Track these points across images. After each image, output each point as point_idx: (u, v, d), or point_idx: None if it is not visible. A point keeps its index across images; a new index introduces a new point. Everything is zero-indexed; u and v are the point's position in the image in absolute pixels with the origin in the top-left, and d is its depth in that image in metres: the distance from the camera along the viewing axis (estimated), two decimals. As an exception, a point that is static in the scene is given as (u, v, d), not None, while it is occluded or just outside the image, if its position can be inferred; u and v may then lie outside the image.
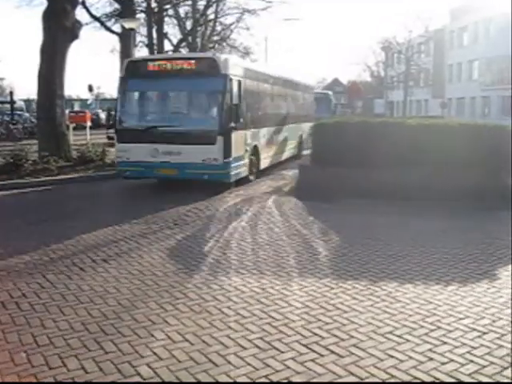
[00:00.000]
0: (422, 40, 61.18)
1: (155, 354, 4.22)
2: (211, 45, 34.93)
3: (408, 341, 4.43)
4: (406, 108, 61.21)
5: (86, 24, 23.70)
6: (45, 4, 16.95)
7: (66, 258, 6.90)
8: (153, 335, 4.56)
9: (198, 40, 32.97)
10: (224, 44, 37.90)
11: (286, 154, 18.17)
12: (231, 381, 3.83)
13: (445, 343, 4.39)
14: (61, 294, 5.58)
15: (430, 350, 4.27)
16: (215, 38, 36.37)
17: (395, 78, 65.59)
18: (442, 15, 74.35)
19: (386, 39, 63.66)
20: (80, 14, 23.92)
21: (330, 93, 36.62)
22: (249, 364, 4.04)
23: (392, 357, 4.15)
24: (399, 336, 4.53)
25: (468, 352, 4.22)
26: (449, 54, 58.10)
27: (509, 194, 9.73)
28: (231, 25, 34.69)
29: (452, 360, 4.09)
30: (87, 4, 23.20)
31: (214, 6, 32.02)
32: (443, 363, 4.04)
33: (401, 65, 63.75)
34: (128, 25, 18.41)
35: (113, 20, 26.11)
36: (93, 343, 4.41)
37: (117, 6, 24.65)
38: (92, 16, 23.98)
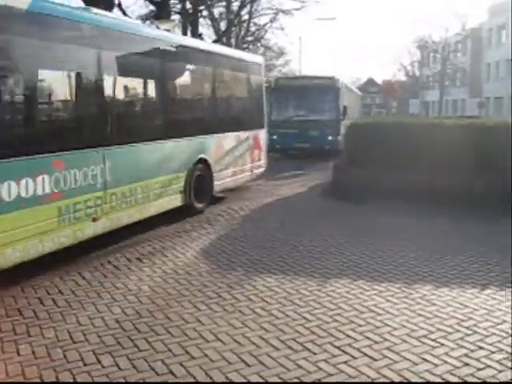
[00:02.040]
0: (458, 38, 60.23)
1: (188, 352, 4.24)
2: (245, 45, 35.02)
3: (443, 345, 4.36)
4: (442, 108, 60.41)
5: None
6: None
7: (101, 257, 7.00)
8: (186, 334, 4.59)
9: (233, 41, 33.09)
10: (258, 44, 38.02)
11: (113, 221, 7.41)
12: (263, 381, 3.82)
13: (481, 348, 4.30)
14: (96, 292, 5.67)
15: (466, 355, 4.19)
16: (249, 38, 36.50)
17: (431, 78, 64.85)
18: (480, 13, 72.87)
19: (421, 38, 62.98)
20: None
21: (341, 80, 21.65)
22: (281, 365, 4.03)
23: (426, 361, 4.09)
24: (434, 340, 4.46)
25: (505, 358, 4.12)
26: (487, 52, 57.00)
27: None
28: (265, 25, 34.82)
29: (489, 366, 4.00)
30: (123, 6, 23.51)
31: (248, 6, 32.12)
32: (479, 369, 3.96)
33: (436, 64, 62.94)
34: (163, 26, 18.49)
35: (148, 22, 26.42)
36: (127, 341, 4.46)
37: (152, 7, 24.92)
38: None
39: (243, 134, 11.73)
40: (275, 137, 19.46)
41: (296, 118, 19.85)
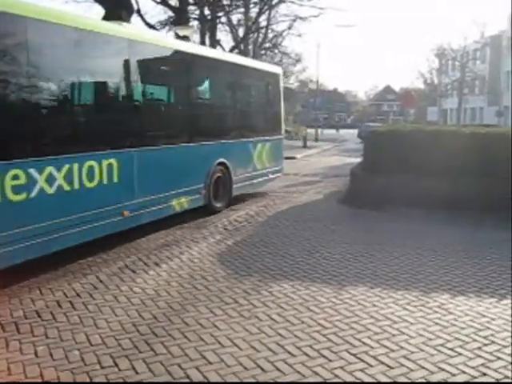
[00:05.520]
0: (477, 46, 59.87)
1: (204, 357, 4.25)
2: (263, 51, 35.14)
3: (460, 354, 4.32)
4: (460, 116, 60.01)
5: (141, 31, 24.13)
6: (101, 12, 17.43)
7: (118, 261, 7.05)
8: (202, 339, 4.60)
9: (250, 47, 33.21)
10: (276, 51, 38.14)
11: None
12: (279, 387, 3.82)
13: (499, 359, 4.25)
14: (113, 295, 5.71)
15: (483, 364, 4.15)
16: (267, 44, 36.61)
17: (449, 86, 64.40)
18: (500, 21, 72.58)
19: (440, 46, 62.72)
20: (135, 21, 24.42)
21: None
22: (297, 371, 4.02)
23: (443, 370, 4.05)
24: (451, 349, 4.42)
25: (524, 368, 4.09)
26: (506, 60, 56.52)
27: None
28: (283, 32, 34.91)
29: (506, 376, 3.96)
30: (142, 12, 23.71)
31: (267, 13, 32.24)
32: (498, 379, 3.92)
33: (455, 72, 62.56)
34: (182, 32, 18.69)
35: (167, 28, 26.63)
36: (143, 345, 4.49)
37: (171, 13, 25.10)
38: (147, 24, 24.44)
39: None
40: None
41: None
